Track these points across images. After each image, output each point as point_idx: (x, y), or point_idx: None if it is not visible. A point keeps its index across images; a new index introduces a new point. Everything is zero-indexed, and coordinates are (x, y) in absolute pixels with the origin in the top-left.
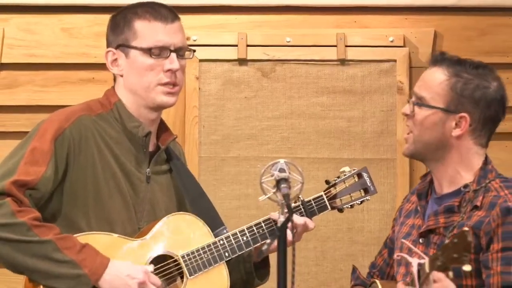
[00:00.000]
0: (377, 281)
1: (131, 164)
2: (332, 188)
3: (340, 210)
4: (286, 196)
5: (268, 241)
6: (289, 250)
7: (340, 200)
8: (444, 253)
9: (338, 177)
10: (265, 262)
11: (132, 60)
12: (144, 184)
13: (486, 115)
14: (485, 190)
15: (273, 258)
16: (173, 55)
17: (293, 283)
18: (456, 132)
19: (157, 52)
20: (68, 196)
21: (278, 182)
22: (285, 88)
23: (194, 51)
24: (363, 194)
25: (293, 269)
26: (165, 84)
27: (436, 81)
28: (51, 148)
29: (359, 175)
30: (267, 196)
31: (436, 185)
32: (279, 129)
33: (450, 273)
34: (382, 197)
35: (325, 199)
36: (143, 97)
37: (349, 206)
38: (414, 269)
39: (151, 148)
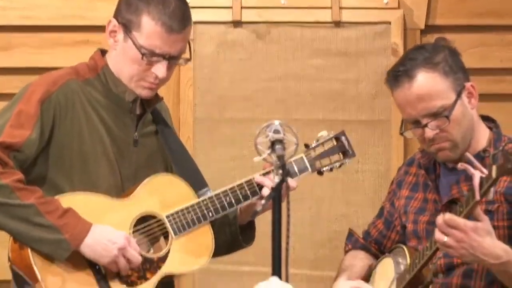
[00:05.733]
0: (403, 246)
1: (119, 128)
2: (311, 151)
3: (320, 173)
4: (280, 157)
5: (262, 202)
6: (283, 210)
7: (320, 162)
8: None
9: (317, 141)
10: (251, 225)
11: (127, 46)
12: (132, 148)
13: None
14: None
15: (267, 219)
16: (164, 63)
17: (287, 243)
18: (473, 103)
19: (149, 56)
20: (53, 160)
21: (273, 144)
22: (280, 50)
23: (189, 59)
24: (342, 158)
25: (288, 229)
26: (147, 81)
27: (430, 85)
28: (37, 111)
29: (337, 139)
30: (262, 157)
31: None
32: (274, 91)
33: None
34: (377, 159)
35: (305, 160)
36: (125, 81)
37: (329, 169)
38: (476, 180)
39: (138, 111)
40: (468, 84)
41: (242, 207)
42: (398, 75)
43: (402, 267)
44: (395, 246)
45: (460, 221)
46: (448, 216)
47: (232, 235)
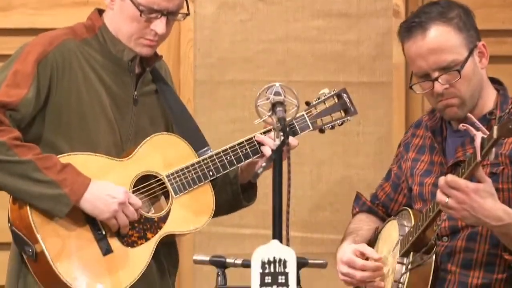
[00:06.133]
0: (408, 209)
1: (118, 87)
2: (312, 109)
3: (321, 131)
4: (281, 119)
5: (264, 164)
6: (284, 173)
7: (321, 120)
8: None
9: (318, 98)
10: (252, 184)
11: (125, 4)
12: (131, 107)
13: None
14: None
15: (268, 181)
16: (163, 19)
17: (288, 206)
18: (484, 63)
19: (148, 13)
20: (50, 120)
21: (274, 106)
22: (280, 11)
23: (188, 14)
24: (343, 115)
25: (289, 192)
26: (147, 39)
27: (443, 39)
28: (33, 71)
29: (339, 96)
30: (262, 119)
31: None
32: (275, 52)
33: None
34: (378, 121)
35: (307, 119)
36: (124, 40)
37: (330, 127)
38: (478, 141)
39: (137, 70)
40: (480, 43)
41: (243, 166)
42: (411, 26)
43: (406, 230)
44: (400, 209)
45: (462, 182)
46: (449, 177)
47: (233, 194)
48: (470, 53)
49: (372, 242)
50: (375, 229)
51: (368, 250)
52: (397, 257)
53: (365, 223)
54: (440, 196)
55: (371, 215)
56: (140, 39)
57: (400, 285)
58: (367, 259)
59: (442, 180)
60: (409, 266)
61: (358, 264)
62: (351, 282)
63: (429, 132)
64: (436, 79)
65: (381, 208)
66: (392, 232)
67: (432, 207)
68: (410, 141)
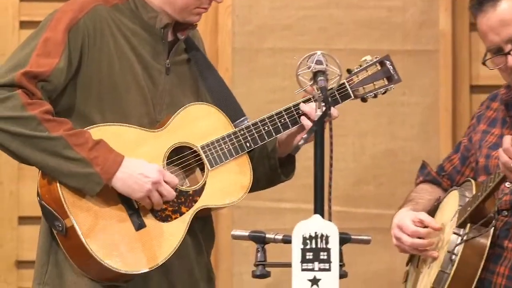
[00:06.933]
0: (472, 180)
1: (150, 56)
2: (354, 77)
3: (363, 99)
4: (323, 89)
5: (305, 136)
6: (326, 144)
7: (363, 88)
8: None
9: (360, 66)
10: (291, 158)
11: None
12: (164, 76)
13: None
14: None
15: (308, 154)
16: None
17: (330, 179)
18: None
19: None
20: (82, 90)
21: (315, 75)
22: None
23: None
24: (386, 83)
25: (331, 165)
26: (202, 8)
27: None
28: (64, 39)
29: (382, 63)
30: (303, 89)
31: None
32: (316, 19)
33: None
34: (424, 91)
35: (348, 87)
36: (175, 11)
37: (373, 95)
38: None
39: (169, 38)
40: None
41: (281, 139)
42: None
43: (466, 200)
44: (464, 180)
45: None
46: None
47: (271, 168)
48: None
49: (431, 212)
50: (436, 199)
51: (427, 218)
52: (453, 227)
53: (427, 193)
54: (505, 158)
55: (435, 186)
56: (197, 9)
57: (453, 256)
58: (426, 228)
59: (508, 142)
60: (464, 238)
61: (411, 229)
62: (404, 249)
63: (502, 106)
64: (509, 52)
65: (446, 180)
66: (452, 202)
67: (493, 178)
68: (483, 113)
